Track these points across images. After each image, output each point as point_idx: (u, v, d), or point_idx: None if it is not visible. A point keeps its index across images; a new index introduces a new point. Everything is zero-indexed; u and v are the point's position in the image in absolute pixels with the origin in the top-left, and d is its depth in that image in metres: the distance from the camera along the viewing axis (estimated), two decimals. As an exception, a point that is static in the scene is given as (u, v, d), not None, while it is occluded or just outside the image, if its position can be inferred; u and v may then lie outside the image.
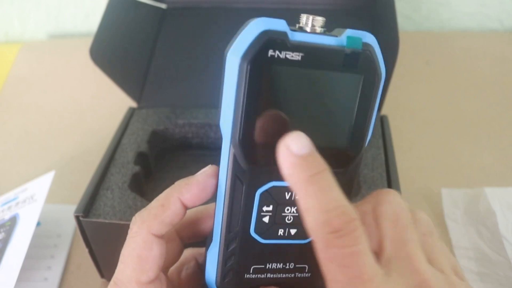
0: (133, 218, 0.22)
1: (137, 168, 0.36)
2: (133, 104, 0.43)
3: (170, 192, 0.22)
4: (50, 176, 0.38)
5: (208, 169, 0.22)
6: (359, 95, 0.20)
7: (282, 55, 0.19)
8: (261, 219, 0.22)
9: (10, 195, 0.40)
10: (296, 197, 0.19)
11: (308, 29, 0.20)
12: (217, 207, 0.22)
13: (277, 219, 0.22)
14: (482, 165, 0.44)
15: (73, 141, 0.50)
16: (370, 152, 0.36)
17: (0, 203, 0.39)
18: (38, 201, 0.36)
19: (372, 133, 0.22)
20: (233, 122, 0.20)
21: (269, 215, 0.22)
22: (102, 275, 0.35)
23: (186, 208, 0.22)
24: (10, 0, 0.66)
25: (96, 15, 0.68)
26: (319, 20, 0.20)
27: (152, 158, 0.40)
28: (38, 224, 0.37)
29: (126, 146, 0.38)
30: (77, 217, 0.32)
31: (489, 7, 0.64)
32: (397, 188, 0.33)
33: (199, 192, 0.22)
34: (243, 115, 0.20)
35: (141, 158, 0.38)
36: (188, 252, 0.26)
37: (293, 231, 0.22)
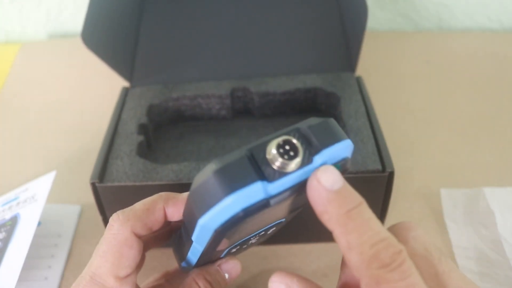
0: (115, 215, 0.23)
1: (141, 138, 0.38)
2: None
3: (157, 200, 0.23)
4: (51, 176, 0.38)
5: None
6: None
7: (257, 214, 0.18)
8: (230, 252, 0.25)
9: (10, 195, 0.40)
10: (334, 234, 0.18)
11: (286, 170, 0.18)
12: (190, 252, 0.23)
13: (244, 246, 0.25)
14: (482, 165, 0.44)
15: (73, 141, 0.50)
16: (351, 105, 0.39)
17: (1, 203, 0.39)
18: (39, 201, 0.36)
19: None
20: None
21: (237, 249, 0.24)
22: None
23: (166, 219, 0.24)
24: (10, 0, 0.66)
25: (96, 15, 0.67)
26: (295, 161, 0.18)
27: (151, 131, 0.42)
28: (39, 224, 0.37)
29: (127, 120, 0.39)
30: (93, 184, 0.33)
31: (489, 7, 0.64)
32: (379, 132, 0.36)
33: (181, 207, 0.23)
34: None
35: (143, 129, 0.39)
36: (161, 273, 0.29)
37: (254, 242, 0.25)
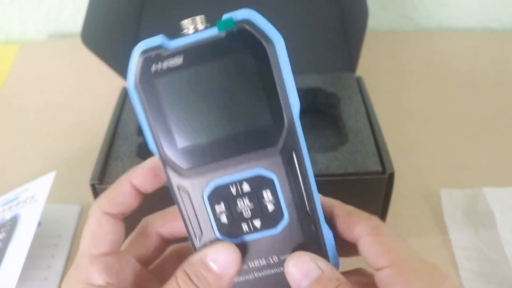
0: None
1: (141, 139, 0.38)
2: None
3: (122, 176, 0.24)
4: (51, 176, 0.38)
5: (153, 158, 0.23)
6: (258, 70, 0.20)
7: (164, 66, 0.20)
8: (220, 221, 0.22)
9: (10, 195, 0.40)
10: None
11: (189, 32, 0.21)
12: (180, 215, 0.23)
13: (235, 215, 0.22)
14: (481, 165, 0.44)
15: (73, 141, 0.50)
16: (351, 106, 0.40)
17: (1, 203, 0.39)
18: (39, 201, 0.36)
19: (302, 99, 0.21)
20: (154, 141, 0.21)
21: (225, 214, 0.22)
22: None
23: (139, 191, 0.23)
24: (10, 0, 0.66)
25: (96, 15, 0.67)
26: (197, 19, 0.21)
27: None
28: (39, 224, 0.38)
29: (126, 120, 0.40)
30: (92, 185, 0.33)
31: (489, 7, 0.64)
32: (379, 133, 0.36)
33: (147, 175, 0.23)
34: (157, 131, 0.21)
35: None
36: (171, 249, 0.27)
37: (257, 223, 0.22)
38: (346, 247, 0.23)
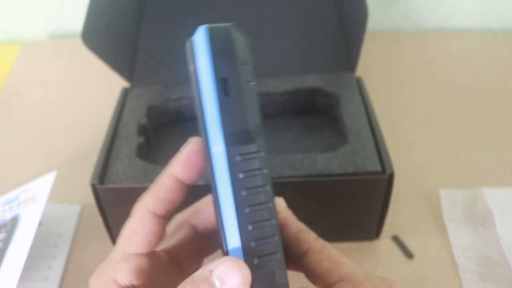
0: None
1: (141, 139, 0.38)
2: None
3: (164, 170, 0.23)
4: (52, 177, 0.38)
5: (191, 141, 0.22)
6: None
7: None
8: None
9: (11, 195, 0.40)
10: None
11: None
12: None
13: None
14: (481, 166, 0.44)
15: (73, 141, 0.50)
16: (352, 106, 0.39)
17: (1, 203, 0.39)
18: (40, 201, 0.36)
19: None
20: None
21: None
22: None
23: (183, 183, 0.22)
24: (10, 0, 0.66)
25: (96, 15, 0.67)
26: None
27: (151, 131, 0.42)
28: (39, 224, 0.38)
29: (126, 121, 0.40)
30: (93, 185, 0.33)
31: (489, 7, 0.64)
32: (379, 133, 0.36)
33: (188, 163, 0.22)
34: None
35: (143, 130, 0.40)
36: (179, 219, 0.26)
37: None
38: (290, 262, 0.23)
